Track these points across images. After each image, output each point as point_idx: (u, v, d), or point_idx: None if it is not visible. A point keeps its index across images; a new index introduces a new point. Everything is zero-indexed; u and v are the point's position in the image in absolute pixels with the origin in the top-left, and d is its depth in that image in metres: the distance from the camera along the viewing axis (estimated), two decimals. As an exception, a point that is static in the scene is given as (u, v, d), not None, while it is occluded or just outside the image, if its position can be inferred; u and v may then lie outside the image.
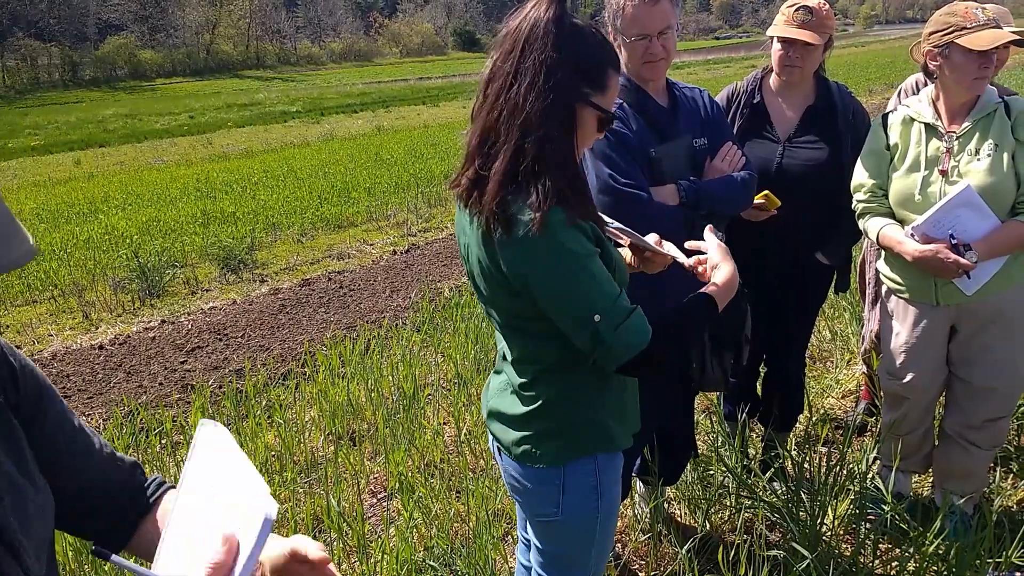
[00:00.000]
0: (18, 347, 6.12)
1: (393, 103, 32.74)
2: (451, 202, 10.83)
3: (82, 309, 6.95)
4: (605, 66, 1.57)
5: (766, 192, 2.65)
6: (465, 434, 3.72)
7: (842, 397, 4.04)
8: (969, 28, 2.43)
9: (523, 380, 1.73)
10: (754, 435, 3.47)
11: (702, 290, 1.68)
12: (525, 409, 1.73)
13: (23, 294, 7.61)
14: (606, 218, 1.73)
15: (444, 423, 4.01)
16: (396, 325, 5.87)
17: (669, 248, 1.85)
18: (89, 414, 4.78)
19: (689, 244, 1.84)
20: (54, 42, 60.60)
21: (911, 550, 2.58)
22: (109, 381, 5.32)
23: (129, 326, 6.49)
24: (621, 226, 1.78)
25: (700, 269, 1.78)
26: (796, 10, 2.77)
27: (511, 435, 1.76)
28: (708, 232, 1.82)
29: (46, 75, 58.04)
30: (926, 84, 3.26)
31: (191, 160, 19.24)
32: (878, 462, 3.04)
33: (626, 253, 1.91)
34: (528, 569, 2.02)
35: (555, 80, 1.48)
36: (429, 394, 4.36)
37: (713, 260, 1.76)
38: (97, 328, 6.52)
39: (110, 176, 17.24)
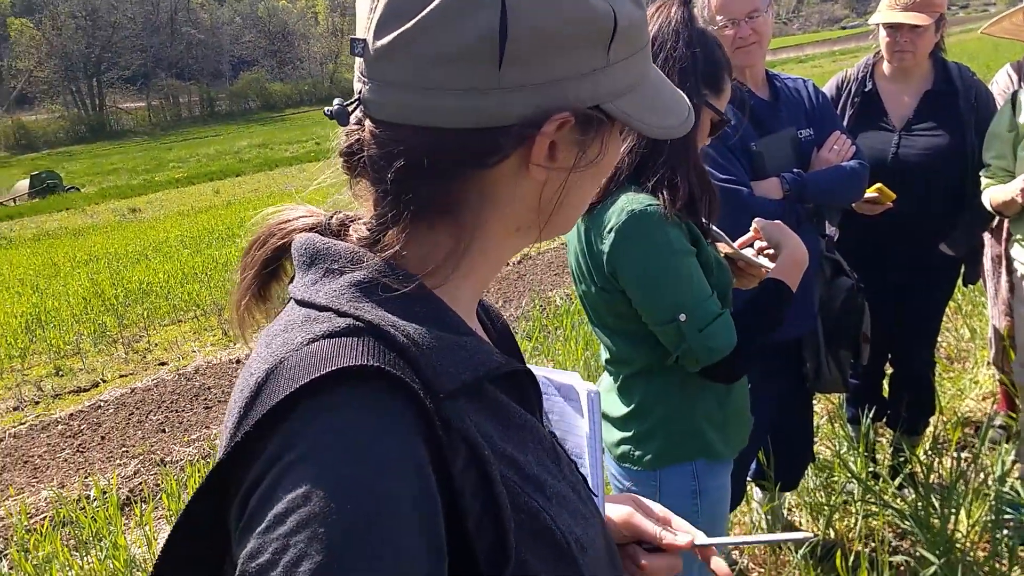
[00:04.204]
0: (163, 363, 6.64)
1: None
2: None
3: (221, 327, 7.43)
4: (722, 69, 1.60)
5: (879, 185, 2.53)
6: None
7: (981, 399, 3.77)
8: None
9: (617, 382, 1.75)
10: (884, 440, 3.30)
11: (767, 275, 1.64)
12: (623, 411, 1.74)
13: (170, 314, 8.23)
14: (715, 229, 1.70)
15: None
16: (511, 334, 5.93)
17: (764, 260, 1.75)
18: (227, 424, 5.09)
19: (740, 241, 1.76)
20: (193, 80, 65.20)
21: (1057, 559, 2.39)
22: (245, 393, 5.65)
23: (262, 341, 6.88)
24: (721, 234, 1.75)
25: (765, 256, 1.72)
26: None
27: (612, 435, 1.77)
28: (756, 222, 1.73)
29: (187, 111, 62.52)
30: (1019, 72, 3.03)
31: (318, 184, 20.15)
32: (1017, 465, 2.83)
33: None
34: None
35: (688, 81, 1.52)
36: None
37: (772, 239, 1.69)
38: (235, 344, 6.94)
39: (246, 203, 18.31)
